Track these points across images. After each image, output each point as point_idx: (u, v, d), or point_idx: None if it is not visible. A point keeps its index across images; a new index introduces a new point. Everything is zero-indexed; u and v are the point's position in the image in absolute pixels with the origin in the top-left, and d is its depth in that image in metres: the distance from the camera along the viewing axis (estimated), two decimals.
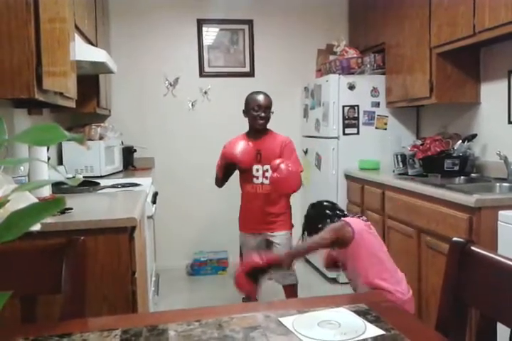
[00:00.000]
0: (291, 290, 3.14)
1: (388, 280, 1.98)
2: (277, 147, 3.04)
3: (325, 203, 2.35)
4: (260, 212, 3.04)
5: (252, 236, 3.12)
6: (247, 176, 3.06)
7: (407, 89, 3.56)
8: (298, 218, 4.61)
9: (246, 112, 3.08)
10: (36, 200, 0.69)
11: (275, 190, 2.97)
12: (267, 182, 3.00)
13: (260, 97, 3.04)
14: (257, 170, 3.03)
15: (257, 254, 1.99)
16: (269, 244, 3.09)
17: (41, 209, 0.61)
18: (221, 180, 3.13)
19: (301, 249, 2.16)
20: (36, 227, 0.64)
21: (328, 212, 2.26)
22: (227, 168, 3.02)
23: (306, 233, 2.29)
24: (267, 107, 3.04)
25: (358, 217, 2.17)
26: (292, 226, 3.15)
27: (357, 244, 1.99)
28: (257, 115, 3.02)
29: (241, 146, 2.93)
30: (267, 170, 3.00)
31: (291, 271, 3.04)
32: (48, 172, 2.32)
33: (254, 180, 3.04)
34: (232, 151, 2.93)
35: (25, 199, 0.64)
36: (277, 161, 2.88)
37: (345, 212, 2.29)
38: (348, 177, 3.92)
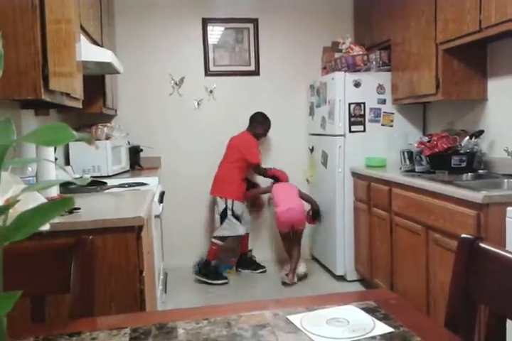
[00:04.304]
0: (245, 240, 4.40)
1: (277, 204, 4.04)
2: None
3: None
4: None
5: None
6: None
7: (413, 85, 3.54)
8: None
9: (263, 128, 4.33)
10: (45, 200, 0.69)
11: None
12: None
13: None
14: None
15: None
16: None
17: (50, 209, 0.62)
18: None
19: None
20: (45, 227, 0.64)
21: None
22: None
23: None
24: None
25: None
26: None
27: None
28: (266, 133, 4.40)
29: None
30: None
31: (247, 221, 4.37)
32: (55, 173, 2.33)
33: None
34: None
35: (35, 200, 0.64)
36: None
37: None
38: (354, 174, 3.92)
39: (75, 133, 0.62)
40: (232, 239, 4.32)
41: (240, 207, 4.21)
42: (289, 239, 4.18)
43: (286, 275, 4.03)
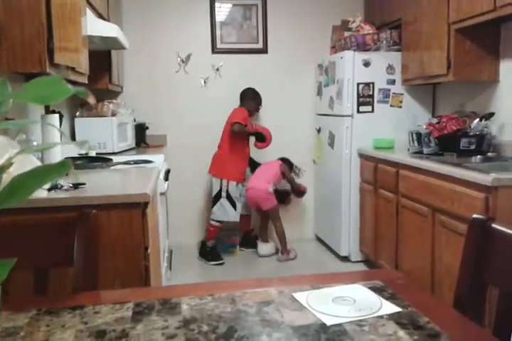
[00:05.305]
0: (247, 219, 4.40)
1: None
2: None
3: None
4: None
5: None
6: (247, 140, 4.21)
7: (424, 66, 3.48)
8: (311, 193, 4.61)
9: (255, 103, 4.21)
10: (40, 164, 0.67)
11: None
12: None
13: None
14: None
15: None
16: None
17: (45, 172, 0.59)
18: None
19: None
20: (43, 194, 0.62)
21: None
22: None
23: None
24: None
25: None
26: None
27: None
28: (258, 109, 4.30)
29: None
30: None
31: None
32: (61, 147, 2.31)
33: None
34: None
35: (30, 164, 0.62)
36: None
37: None
38: (361, 156, 3.88)
39: (70, 87, 0.59)
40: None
41: (236, 188, 4.12)
42: (262, 216, 4.34)
43: (281, 253, 4.16)
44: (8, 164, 0.55)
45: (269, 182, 4.10)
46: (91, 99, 0.62)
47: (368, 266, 3.90)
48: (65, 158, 2.40)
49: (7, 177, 0.57)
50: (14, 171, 0.57)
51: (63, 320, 0.99)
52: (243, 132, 4.03)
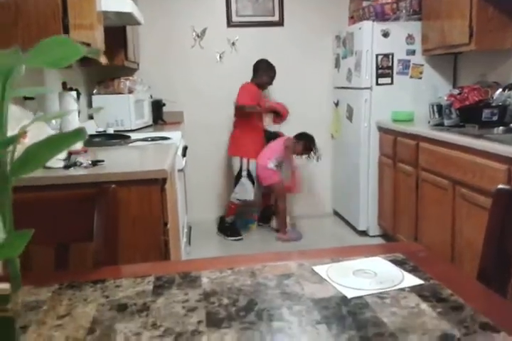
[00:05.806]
0: (268, 195, 4.35)
1: None
2: None
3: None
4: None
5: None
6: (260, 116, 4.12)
7: (445, 35, 3.38)
8: (329, 167, 4.58)
9: (268, 76, 4.06)
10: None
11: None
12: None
13: None
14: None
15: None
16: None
17: (60, 141, 0.58)
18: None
19: None
20: (59, 164, 0.61)
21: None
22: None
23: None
24: None
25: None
26: None
27: None
28: (271, 81, 4.12)
29: None
30: None
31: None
32: (78, 121, 2.31)
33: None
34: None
35: (45, 134, 0.61)
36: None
37: None
38: (380, 129, 3.82)
39: (81, 47, 0.57)
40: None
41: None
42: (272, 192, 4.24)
43: (278, 232, 4.15)
44: (23, 133, 0.54)
45: (270, 157, 4.01)
46: (102, 59, 0.60)
47: (386, 240, 3.89)
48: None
49: (22, 147, 0.56)
50: (29, 142, 0.56)
51: (85, 294, 1.00)
52: (253, 112, 3.97)
